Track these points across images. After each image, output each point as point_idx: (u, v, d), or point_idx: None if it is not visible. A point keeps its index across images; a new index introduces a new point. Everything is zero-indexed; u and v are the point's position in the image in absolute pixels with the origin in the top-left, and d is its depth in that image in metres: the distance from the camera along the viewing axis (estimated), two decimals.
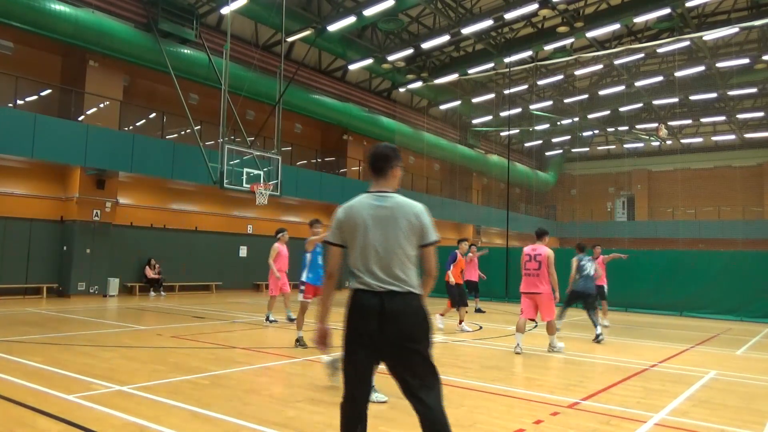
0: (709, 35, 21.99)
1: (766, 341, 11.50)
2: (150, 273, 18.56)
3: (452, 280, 11.34)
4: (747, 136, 36.55)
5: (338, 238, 3.10)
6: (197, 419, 4.63)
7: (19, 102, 17.00)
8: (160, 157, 17.89)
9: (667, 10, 19.69)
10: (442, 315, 11.49)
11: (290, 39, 20.95)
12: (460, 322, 11.36)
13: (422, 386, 2.91)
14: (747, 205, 36.40)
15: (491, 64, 25.22)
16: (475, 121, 33.73)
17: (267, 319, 11.65)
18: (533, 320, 9.21)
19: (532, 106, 31.75)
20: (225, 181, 16.30)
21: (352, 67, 24.42)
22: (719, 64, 25.32)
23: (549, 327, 8.73)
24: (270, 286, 11.61)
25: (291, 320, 11.48)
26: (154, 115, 20.32)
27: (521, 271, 8.76)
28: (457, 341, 9.85)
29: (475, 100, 30.96)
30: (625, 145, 40.19)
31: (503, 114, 31.28)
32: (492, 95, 30.75)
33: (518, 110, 32.00)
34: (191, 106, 18.98)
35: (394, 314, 2.89)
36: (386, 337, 2.89)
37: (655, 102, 31.41)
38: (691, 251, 20.42)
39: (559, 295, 8.66)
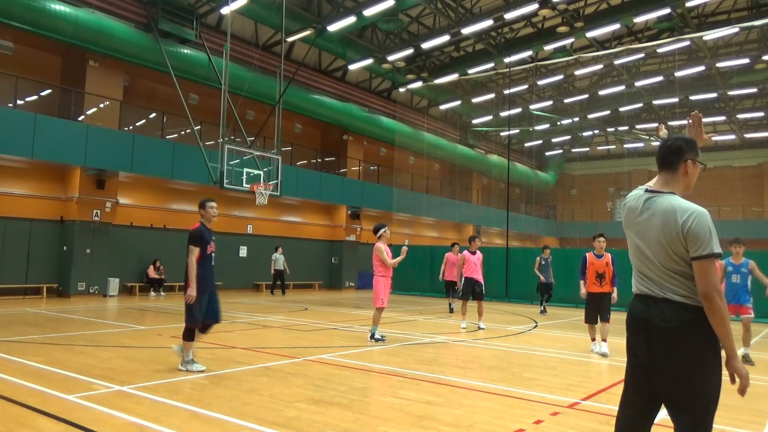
0: (709, 35, 22.00)
1: (766, 341, 11.49)
2: (152, 273, 18.56)
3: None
4: (747, 136, 36.57)
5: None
6: (197, 419, 4.63)
7: (19, 102, 17.01)
8: (160, 157, 17.89)
9: (667, 10, 19.71)
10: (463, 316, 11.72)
11: (290, 39, 20.95)
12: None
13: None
14: (747, 205, 36.40)
15: (491, 64, 25.23)
16: (475, 121, 33.73)
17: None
18: None
19: (532, 106, 31.75)
20: (225, 181, 16.30)
21: (352, 67, 24.42)
22: (719, 64, 25.33)
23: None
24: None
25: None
26: (154, 115, 20.32)
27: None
28: (457, 341, 9.84)
29: (475, 100, 30.96)
30: (625, 145, 40.19)
31: (503, 114, 31.27)
32: (492, 95, 30.75)
33: (518, 110, 32.00)
34: (191, 106, 18.99)
35: (657, 327, 2.48)
36: (651, 357, 2.50)
37: (655, 102, 31.41)
38: None
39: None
